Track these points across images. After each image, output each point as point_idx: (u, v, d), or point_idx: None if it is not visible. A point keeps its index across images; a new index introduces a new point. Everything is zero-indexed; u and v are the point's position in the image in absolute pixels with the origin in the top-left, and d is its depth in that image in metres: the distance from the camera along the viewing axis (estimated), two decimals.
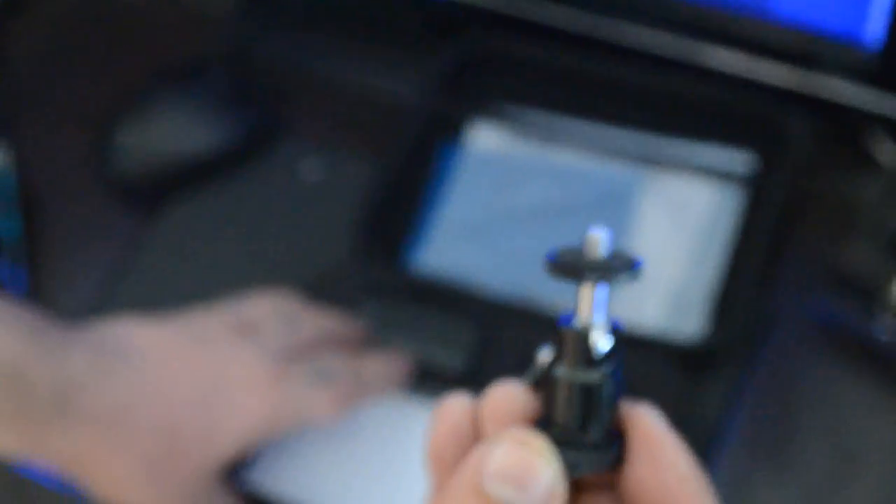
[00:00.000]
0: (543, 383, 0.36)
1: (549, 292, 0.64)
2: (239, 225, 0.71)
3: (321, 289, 0.66)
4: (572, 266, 0.35)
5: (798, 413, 0.63)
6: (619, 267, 0.35)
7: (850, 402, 0.63)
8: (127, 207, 0.72)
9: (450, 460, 0.37)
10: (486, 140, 0.70)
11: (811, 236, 0.67)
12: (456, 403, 0.38)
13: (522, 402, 0.37)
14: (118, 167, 0.72)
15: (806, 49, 0.65)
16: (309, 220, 0.70)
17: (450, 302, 0.64)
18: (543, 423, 0.36)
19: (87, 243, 0.72)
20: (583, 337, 0.36)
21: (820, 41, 0.64)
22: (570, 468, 0.34)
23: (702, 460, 0.59)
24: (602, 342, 0.36)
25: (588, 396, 0.35)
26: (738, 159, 0.68)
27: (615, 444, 0.37)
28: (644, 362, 0.61)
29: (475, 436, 0.37)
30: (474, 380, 0.61)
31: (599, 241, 0.35)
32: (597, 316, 0.36)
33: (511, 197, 0.69)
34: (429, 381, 0.63)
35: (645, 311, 0.65)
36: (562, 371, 0.36)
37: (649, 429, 0.37)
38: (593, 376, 0.36)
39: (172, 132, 0.71)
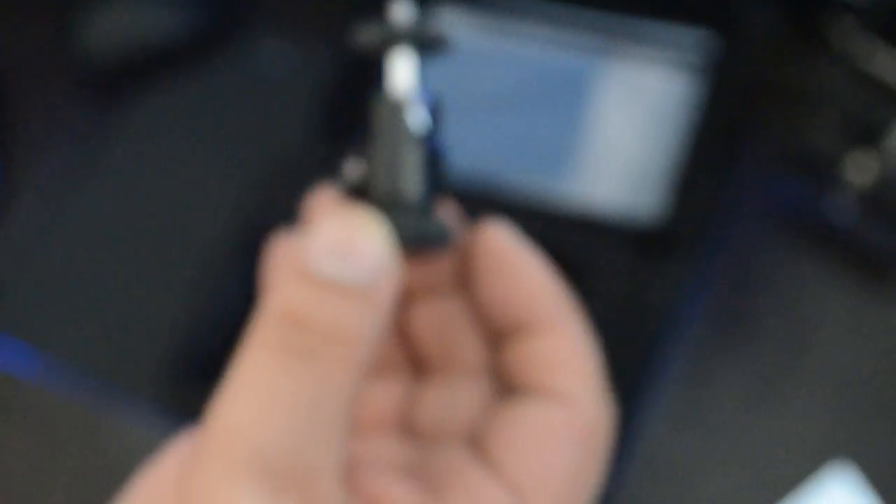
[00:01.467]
0: (357, 188, 0.34)
1: (504, 181, 0.64)
2: (202, 113, 0.71)
3: (280, 174, 0.67)
4: (378, 35, 0.34)
5: (755, 294, 0.64)
6: (426, 33, 0.34)
7: (807, 283, 0.63)
8: (93, 95, 0.72)
9: None
10: (444, 23, 0.70)
11: (769, 119, 0.67)
12: (283, 238, 0.36)
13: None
14: (83, 54, 0.72)
15: None
16: (271, 108, 0.70)
17: None
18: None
19: (57, 130, 0.72)
20: (395, 108, 0.34)
21: None
22: (397, 233, 0.32)
23: (658, 342, 0.61)
24: (415, 114, 0.34)
25: (406, 156, 0.33)
26: (696, 43, 0.67)
27: (444, 225, 0.34)
28: (602, 245, 0.62)
29: None
30: None
31: (403, 8, 0.34)
32: (408, 86, 0.34)
33: (466, 85, 0.69)
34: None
35: (602, 195, 0.65)
36: (378, 135, 0.34)
37: (496, 241, 0.35)
38: (409, 136, 0.33)
39: (137, 20, 0.72)
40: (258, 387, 0.29)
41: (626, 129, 0.67)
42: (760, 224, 0.65)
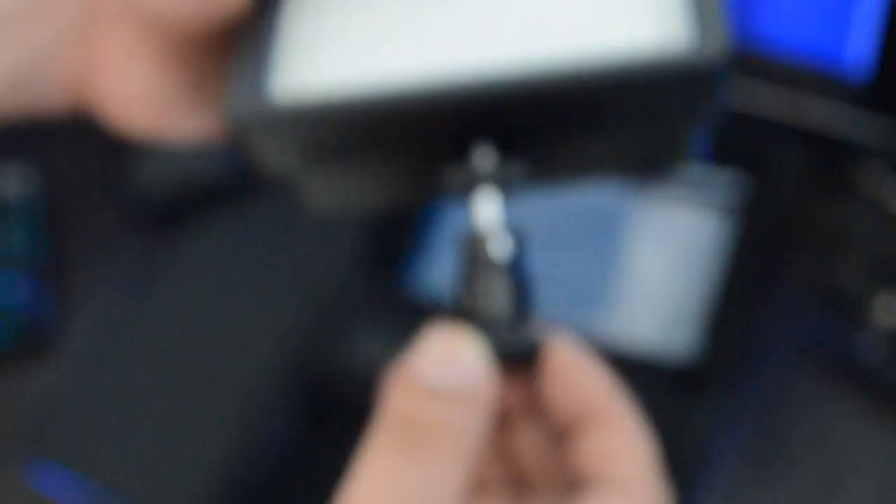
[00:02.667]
0: (459, 310, 0.38)
1: (539, 319, 0.65)
2: (248, 248, 0.73)
3: (326, 306, 0.68)
4: (463, 178, 0.37)
5: (787, 431, 0.64)
6: (510, 171, 0.37)
7: (837, 421, 0.64)
8: (145, 230, 0.75)
9: None
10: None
11: (799, 260, 0.68)
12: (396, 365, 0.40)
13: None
14: (136, 191, 0.74)
15: (794, 79, 0.66)
16: (316, 242, 0.72)
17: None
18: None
19: (109, 263, 0.74)
20: (480, 243, 0.37)
21: (808, 71, 0.66)
22: (492, 347, 0.36)
23: (693, 477, 0.61)
24: (501, 245, 0.37)
25: (494, 283, 0.37)
26: (728, 184, 0.69)
27: (533, 340, 0.38)
28: (636, 382, 0.62)
29: None
30: None
31: (485, 153, 0.37)
32: (492, 222, 0.37)
33: None
34: None
35: (636, 332, 0.66)
36: (469, 265, 0.37)
37: (564, 350, 0.39)
38: (494, 266, 0.37)
39: (188, 159, 0.74)
40: (377, 480, 0.35)
41: (659, 267, 0.68)
42: (791, 362, 0.65)
